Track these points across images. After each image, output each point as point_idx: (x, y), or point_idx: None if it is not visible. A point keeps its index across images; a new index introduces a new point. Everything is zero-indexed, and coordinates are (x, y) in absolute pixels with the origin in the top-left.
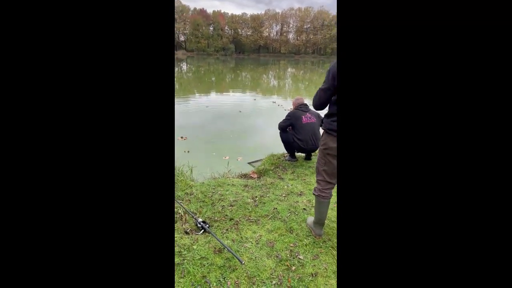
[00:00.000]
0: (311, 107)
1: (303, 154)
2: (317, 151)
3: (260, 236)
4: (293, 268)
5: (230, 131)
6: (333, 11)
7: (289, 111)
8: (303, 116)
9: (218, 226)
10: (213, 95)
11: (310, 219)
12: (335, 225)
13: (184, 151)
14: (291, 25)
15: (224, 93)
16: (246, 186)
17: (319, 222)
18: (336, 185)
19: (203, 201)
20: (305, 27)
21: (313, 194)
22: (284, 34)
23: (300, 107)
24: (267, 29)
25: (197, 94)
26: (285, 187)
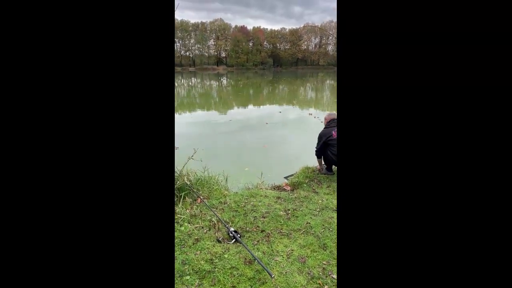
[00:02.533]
0: None
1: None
2: None
3: (292, 250)
4: (326, 287)
5: (261, 142)
6: None
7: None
8: (333, 131)
9: (249, 237)
10: (250, 107)
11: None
12: None
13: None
14: (330, 37)
15: (261, 106)
16: (279, 198)
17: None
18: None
19: (236, 211)
20: None
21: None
22: (323, 46)
23: (330, 124)
24: (306, 42)
25: (235, 108)
26: (320, 201)
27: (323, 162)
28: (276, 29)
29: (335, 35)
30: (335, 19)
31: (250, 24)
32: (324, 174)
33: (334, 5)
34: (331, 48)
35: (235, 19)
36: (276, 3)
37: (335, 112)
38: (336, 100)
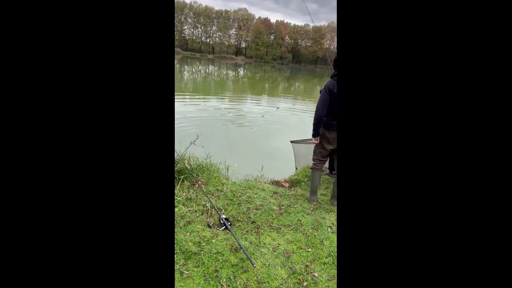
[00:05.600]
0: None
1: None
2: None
3: (279, 244)
4: (305, 283)
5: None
6: None
7: None
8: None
9: (239, 226)
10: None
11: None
12: None
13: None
14: None
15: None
16: (275, 193)
17: (313, 189)
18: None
19: (230, 200)
20: None
21: (310, 168)
22: None
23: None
24: (328, 41)
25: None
26: (315, 201)
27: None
28: (299, 24)
29: None
30: None
31: (264, 15)
32: (327, 175)
33: None
34: None
35: (250, 10)
36: None
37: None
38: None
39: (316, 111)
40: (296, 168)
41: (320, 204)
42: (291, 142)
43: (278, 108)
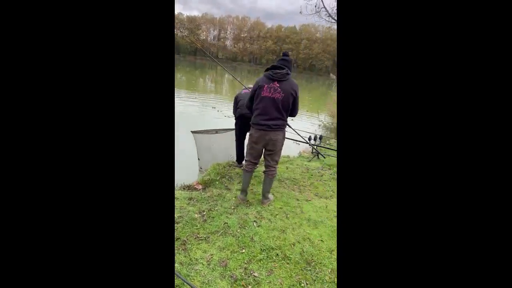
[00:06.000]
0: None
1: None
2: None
3: (211, 255)
4: (249, 287)
5: None
6: (268, 23)
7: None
8: (266, 86)
9: None
10: None
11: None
12: (285, 235)
13: None
14: (228, 32)
15: None
16: (191, 199)
17: (244, 190)
18: (257, 164)
19: None
20: (242, 35)
21: (241, 169)
22: (222, 40)
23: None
24: (204, 33)
25: None
26: (233, 198)
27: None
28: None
29: (233, 31)
30: (231, 13)
31: None
32: (236, 166)
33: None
34: (229, 42)
35: None
36: None
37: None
38: (233, 93)
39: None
40: (198, 159)
41: (240, 201)
42: (192, 132)
43: None
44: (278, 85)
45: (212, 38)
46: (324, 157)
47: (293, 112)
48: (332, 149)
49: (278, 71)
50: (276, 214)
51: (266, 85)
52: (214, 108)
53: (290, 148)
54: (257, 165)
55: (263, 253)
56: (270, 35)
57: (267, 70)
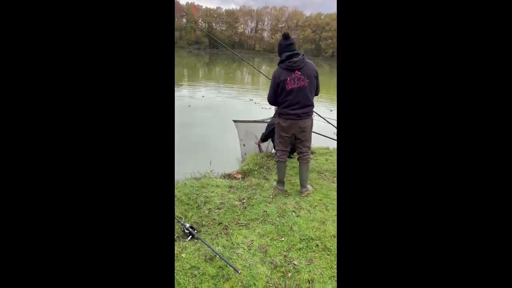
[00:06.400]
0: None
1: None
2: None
3: (252, 241)
4: (289, 275)
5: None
6: (306, 11)
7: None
8: (288, 78)
9: (206, 231)
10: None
11: (275, 182)
12: (325, 227)
13: None
14: (266, 23)
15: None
16: (231, 187)
17: (281, 180)
18: (289, 151)
19: (188, 204)
20: (279, 26)
21: (274, 160)
22: (259, 31)
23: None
24: (242, 25)
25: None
26: (271, 188)
27: (274, 150)
28: (211, 7)
29: (271, 22)
30: (265, 5)
31: None
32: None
33: None
34: (267, 34)
35: None
36: None
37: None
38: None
39: (268, 100)
40: (244, 145)
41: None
42: (234, 121)
43: (203, 96)
44: (299, 73)
45: (249, 30)
46: None
47: (317, 92)
48: None
49: (295, 59)
50: (316, 206)
51: (288, 78)
52: (251, 100)
53: (330, 140)
54: (290, 155)
55: (302, 242)
56: (308, 24)
57: (281, 61)
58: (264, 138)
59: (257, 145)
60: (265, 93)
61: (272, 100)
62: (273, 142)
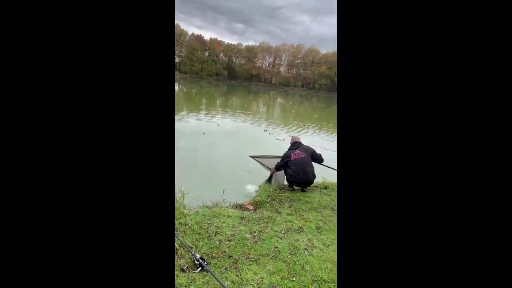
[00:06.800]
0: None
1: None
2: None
3: (262, 278)
4: None
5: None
6: (322, 49)
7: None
8: (292, 154)
9: (216, 264)
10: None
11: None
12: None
13: None
14: (283, 59)
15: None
16: (242, 218)
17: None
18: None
19: (199, 233)
20: (296, 62)
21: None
22: (276, 66)
23: (291, 147)
24: (260, 60)
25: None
26: (283, 222)
27: (286, 182)
28: (233, 43)
29: (288, 58)
30: (284, 42)
31: (196, 33)
32: (287, 189)
33: (273, 28)
34: (283, 69)
35: (183, 26)
36: (219, 17)
37: (297, 136)
38: (283, 116)
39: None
40: (270, 169)
41: (292, 223)
42: (250, 156)
43: (218, 125)
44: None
45: (267, 65)
46: None
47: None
48: None
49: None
50: (329, 245)
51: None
52: (266, 131)
53: None
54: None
55: (314, 284)
56: (324, 61)
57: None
58: (278, 168)
59: (271, 174)
60: (278, 124)
61: (280, 168)
62: (286, 174)
